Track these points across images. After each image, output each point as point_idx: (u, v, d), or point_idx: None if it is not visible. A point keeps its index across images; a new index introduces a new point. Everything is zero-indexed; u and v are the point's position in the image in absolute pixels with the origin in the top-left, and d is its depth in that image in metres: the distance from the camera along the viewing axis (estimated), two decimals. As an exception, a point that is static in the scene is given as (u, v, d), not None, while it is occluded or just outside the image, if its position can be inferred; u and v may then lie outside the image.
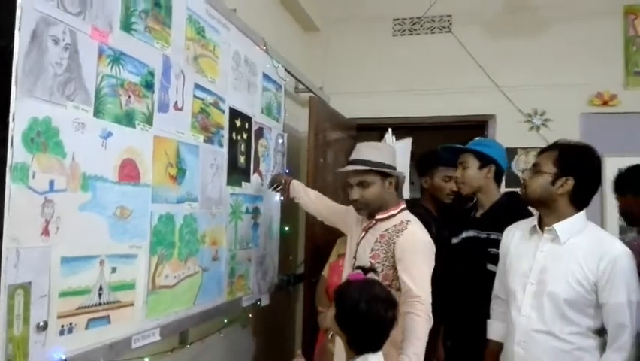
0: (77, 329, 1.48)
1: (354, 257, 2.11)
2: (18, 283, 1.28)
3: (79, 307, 1.48)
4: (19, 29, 1.27)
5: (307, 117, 3.12)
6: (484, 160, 2.35)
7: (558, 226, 1.89)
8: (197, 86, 2.08)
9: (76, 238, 1.46)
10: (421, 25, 3.89)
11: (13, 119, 1.26)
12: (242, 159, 2.47)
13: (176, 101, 1.94)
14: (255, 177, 2.61)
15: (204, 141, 2.13)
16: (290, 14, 3.63)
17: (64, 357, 1.41)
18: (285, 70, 3.02)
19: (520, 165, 3.58)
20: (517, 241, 2.03)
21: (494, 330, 2.13)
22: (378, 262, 2.00)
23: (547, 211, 1.93)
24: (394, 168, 2.10)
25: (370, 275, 1.70)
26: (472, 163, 2.37)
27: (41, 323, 1.35)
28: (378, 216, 2.08)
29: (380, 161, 2.04)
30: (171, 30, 1.90)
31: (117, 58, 1.62)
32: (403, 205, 2.12)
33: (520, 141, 3.58)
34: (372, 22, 3.97)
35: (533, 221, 2.00)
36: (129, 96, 1.68)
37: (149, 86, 1.78)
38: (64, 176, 1.42)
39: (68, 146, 1.43)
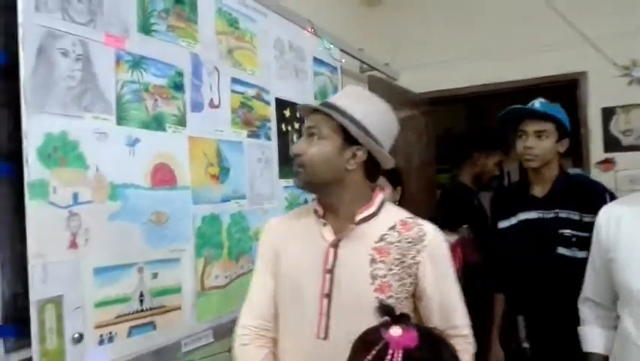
0: (118, 337, 1.49)
1: (328, 293, 1.27)
2: (47, 297, 1.30)
3: (118, 315, 1.49)
4: (22, 48, 1.28)
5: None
6: (563, 133, 2.00)
7: None
8: (235, 81, 2.02)
9: (108, 247, 1.47)
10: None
11: (27, 137, 1.28)
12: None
13: (211, 99, 1.89)
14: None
15: (248, 135, 2.08)
16: (349, -10, 3.46)
17: (105, 366, 1.43)
18: (342, 50, 2.87)
19: (621, 126, 3.13)
20: (628, 227, 1.53)
21: (595, 339, 1.66)
22: (390, 296, 1.26)
23: None
24: (376, 141, 1.30)
25: (408, 323, 0.98)
26: (552, 134, 1.97)
27: (77, 335, 1.37)
28: (359, 216, 1.31)
29: (356, 117, 1.28)
30: (198, 26, 1.85)
31: (137, 62, 1.60)
32: (381, 196, 1.38)
33: (618, 98, 3.14)
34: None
35: None
36: (155, 100, 1.66)
37: (177, 87, 1.75)
38: (88, 188, 1.42)
39: (90, 157, 1.43)
